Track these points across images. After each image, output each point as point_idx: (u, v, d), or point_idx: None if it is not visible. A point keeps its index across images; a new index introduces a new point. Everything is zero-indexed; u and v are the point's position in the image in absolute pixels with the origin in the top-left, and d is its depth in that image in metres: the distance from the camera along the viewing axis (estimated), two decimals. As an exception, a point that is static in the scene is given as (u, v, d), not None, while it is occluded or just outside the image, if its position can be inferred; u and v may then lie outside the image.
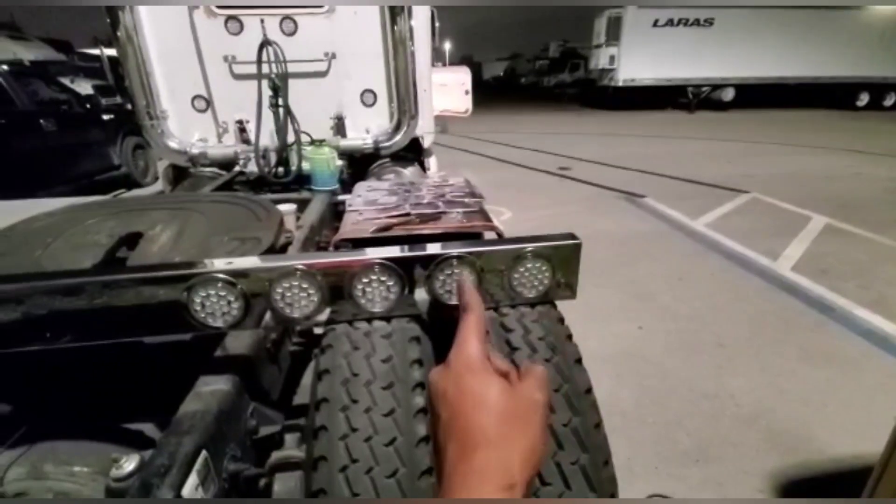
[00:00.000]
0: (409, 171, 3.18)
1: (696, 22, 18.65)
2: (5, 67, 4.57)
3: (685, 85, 19.24)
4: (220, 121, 2.76)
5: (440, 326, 1.01)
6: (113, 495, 0.82)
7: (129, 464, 0.81)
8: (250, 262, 0.83)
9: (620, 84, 19.14)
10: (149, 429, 1.11)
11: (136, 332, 0.91)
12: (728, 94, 19.57)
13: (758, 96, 19.42)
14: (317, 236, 1.82)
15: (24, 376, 1.03)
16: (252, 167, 2.67)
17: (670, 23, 18.60)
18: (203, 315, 0.84)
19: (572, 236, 0.95)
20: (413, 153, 3.33)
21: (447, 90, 3.74)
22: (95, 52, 9.74)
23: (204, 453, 0.77)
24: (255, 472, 0.92)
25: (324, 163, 2.36)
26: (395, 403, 0.79)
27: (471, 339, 0.45)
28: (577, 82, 27.70)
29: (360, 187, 1.96)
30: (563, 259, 0.94)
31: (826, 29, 18.57)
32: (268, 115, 2.59)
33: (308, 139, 2.69)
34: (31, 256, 1.11)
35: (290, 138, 2.62)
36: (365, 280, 0.86)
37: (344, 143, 2.93)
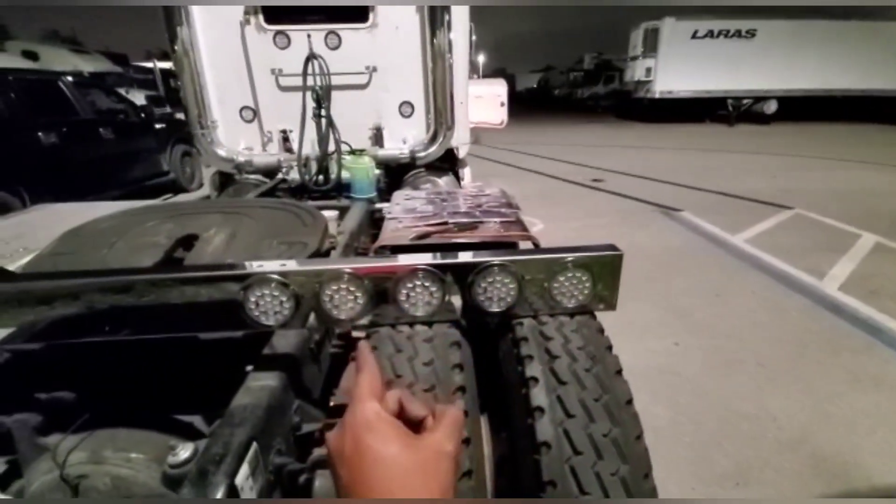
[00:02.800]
0: (444, 181, 3.23)
1: (738, 34, 18.16)
2: (69, 78, 4.94)
3: (725, 97, 18.72)
4: (266, 130, 2.89)
5: (478, 333, 1.02)
6: (169, 481, 0.87)
7: (185, 452, 0.86)
8: (302, 264, 0.87)
9: (657, 96, 18.79)
10: (197, 420, 1.17)
11: (193, 327, 0.96)
12: (771, 107, 18.91)
13: (803, 109, 18.69)
14: (355, 242, 1.88)
15: (87, 366, 1.10)
16: (294, 175, 2.77)
17: (710, 34, 18.18)
18: (257, 313, 0.88)
19: (613, 247, 0.95)
20: (448, 163, 3.39)
21: (483, 102, 3.78)
22: (149, 64, 10.35)
23: (255, 445, 0.81)
24: (299, 466, 0.96)
25: (363, 172, 2.43)
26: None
27: (365, 398, 0.44)
28: (612, 94, 27.40)
29: (399, 196, 2.01)
30: (604, 270, 0.94)
31: (875, 40, 17.77)
32: (310, 125, 2.69)
33: (347, 149, 2.78)
34: (98, 255, 1.19)
35: (331, 148, 2.71)
36: (409, 285, 0.89)
37: (381, 152, 3.00)
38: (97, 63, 11.85)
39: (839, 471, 2.18)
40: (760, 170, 9.35)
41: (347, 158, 2.66)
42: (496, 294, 0.93)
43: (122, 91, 7.15)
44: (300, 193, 2.75)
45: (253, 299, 0.86)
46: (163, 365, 1.12)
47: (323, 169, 2.78)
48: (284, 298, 0.87)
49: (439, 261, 0.88)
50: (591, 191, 7.83)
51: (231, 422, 0.83)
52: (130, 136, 5.57)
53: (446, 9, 2.63)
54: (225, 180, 3.05)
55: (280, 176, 2.84)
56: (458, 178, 3.47)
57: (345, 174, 2.70)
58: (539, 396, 0.85)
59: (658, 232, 5.68)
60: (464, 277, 0.91)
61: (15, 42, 12.46)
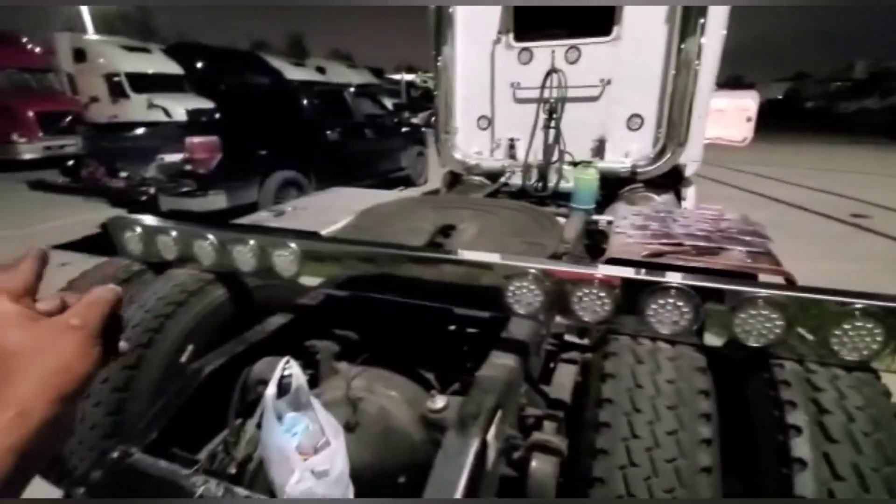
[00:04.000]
0: (663, 199, 3.03)
1: None
2: (351, 89, 6.37)
3: None
4: (496, 138, 3.16)
5: (730, 365, 0.97)
6: (428, 423, 1.07)
7: (441, 402, 1.05)
8: (562, 265, 0.97)
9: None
10: (434, 378, 1.39)
11: (456, 301, 1.16)
12: None
13: None
14: (575, 251, 1.94)
15: (368, 316, 1.42)
16: (515, 180, 2.98)
17: None
18: (512, 301, 1.02)
19: (924, 302, 0.79)
20: (670, 181, 3.16)
21: (724, 116, 3.39)
22: (397, 77, 12.38)
23: (500, 411, 0.94)
24: (520, 443, 1.07)
25: (588, 183, 2.47)
26: (679, 426, 0.81)
27: None
28: (889, 110, 21.31)
29: (624, 210, 1.99)
30: (905, 326, 0.80)
31: None
32: (538, 134, 2.85)
33: (569, 159, 2.85)
34: (383, 231, 1.52)
35: (555, 157, 2.82)
36: (661, 301, 0.90)
37: (601, 164, 2.98)
38: (363, 76, 14.83)
39: None
40: None
41: (569, 168, 2.73)
42: (757, 328, 0.87)
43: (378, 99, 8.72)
44: (518, 198, 2.94)
45: (512, 288, 1.00)
46: (420, 326, 1.36)
47: (543, 176, 2.92)
48: (539, 292, 0.98)
49: (700, 282, 0.87)
50: (848, 228, 6.23)
51: (481, 387, 0.98)
52: (384, 136, 6.87)
53: (703, 11, 2.46)
54: (454, 179, 3.44)
55: (502, 180, 3.08)
56: (679, 198, 3.20)
57: (564, 183, 2.77)
58: (801, 448, 0.77)
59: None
60: (721, 304, 0.88)
61: (311, 59, 16.38)
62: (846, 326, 0.83)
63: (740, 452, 0.91)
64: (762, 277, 1.28)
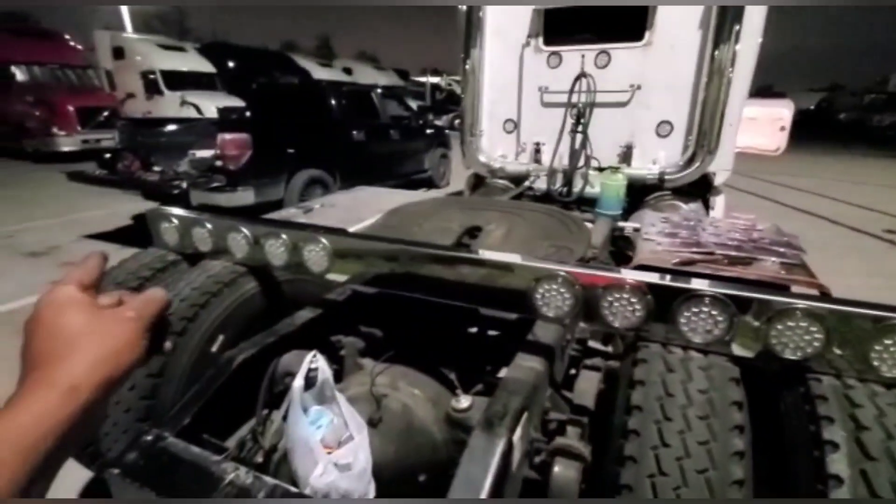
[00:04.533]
0: (690, 208, 2.97)
1: None
2: (378, 90, 6.44)
3: None
4: (521, 141, 3.15)
5: (764, 378, 0.95)
6: (453, 423, 1.08)
7: (465, 401, 1.06)
8: (593, 268, 0.97)
9: None
10: (456, 377, 1.39)
11: (481, 302, 1.16)
12: None
13: None
14: (600, 257, 1.92)
15: (393, 313, 1.44)
16: (540, 184, 2.96)
17: None
18: (540, 303, 1.01)
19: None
20: (698, 189, 3.10)
21: (756, 125, 3.32)
22: (422, 79, 12.46)
23: (526, 413, 0.94)
24: (544, 447, 1.06)
25: (615, 189, 2.45)
26: (711, 436, 0.79)
27: (63, 283, 0.47)
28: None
29: (651, 217, 1.96)
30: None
31: None
32: (564, 139, 2.83)
33: (595, 164, 2.82)
34: (410, 230, 1.53)
35: (581, 162, 2.80)
36: (695, 309, 0.89)
37: (628, 171, 2.94)
38: (389, 77, 15.01)
39: None
40: None
41: (595, 174, 2.71)
42: (794, 341, 0.85)
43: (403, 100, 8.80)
44: (543, 202, 2.93)
45: (542, 291, 1.00)
46: (443, 326, 1.37)
47: (568, 181, 2.90)
48: (568, 296, 0.98)
49: (736, 291, 0.85)
50: (882, 243, 6.01)
51: (507, 388, 0.98)
52: (409, 137, 6.94)
53: (738, 17, 2.41)
54: (477, 182, 3.44)
55: (527, 183, 3.07)
56: (706, 207, 3.14)
57: (590, 189, 2.75)
58: (838, 465, 0.75)
59: None
60: (758, 314, 0.86)
61: (338, 60, 16.63)
62: (887, 342, 0.81)
63: (772, 466, 0.89)
64: (795, 290, 1.25)
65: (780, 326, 0.85)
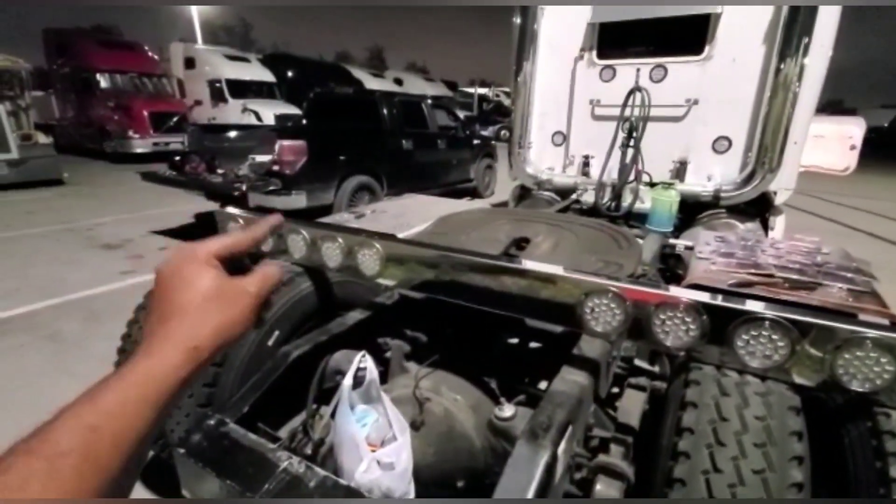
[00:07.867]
0: (747, 227, 2.84)
1: None
2: (429, 101, 6.60)
3: None
4: (570, 154, 3.13)
5: (827, 410, 0.91)
6: (495, 430, 1.09)
7: (509, 410, 1.06)
8: (645, 286, 0.95)
9: None
10: (498, 386, 1.40)
11: (527, 313, 1.16)
12: None
13: None
14: (649, 274, 1.87)
15: (439, 319, 1.47)
16: (587, 198, 2.93)
17: None
18: (589, 318, 1.01)
19: None
20: (755, 208, 2.97)
21: (823, 143, 3.14)
22: (470, 90, 12.61)
23: (570, 427, 0.94)
24: (586, 463, 1.06)
25: (667, 205, 2.38)
26: (767, 466, 0.77)
27: (205, 244, 0.48)
28: None
29: (705, 235, 1.89)
30: None
31: None
32: (614, 153, 2.79)
33: (646, 179, 2.76)
34: (458, 239, 1.56)
35: (631, 176, 2.75)
36: (754, 333, 0.86)
37: (681, 187, 2.86)
38: (438, 88, 15.35)
39: None
40: None
41: (645, 189, 2.65)
42: (862, 372, 0.81)
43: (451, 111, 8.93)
44: (590, 216, 2.89)
45: (591, 305, 0.99)
46: (488, 335, 1.39)
47: (617, 195, 2.85)
48: (618, 312, 0.97)
49: (800, 316, 0.82)
50: (975, 275, 5.47)
51: (552, 400, 0.98)
52: (456, 147, 7.03)
53: (807, 30, 2.30)
54: (523, 193, 3.45)
55: (574, 196, 3.04)
56: (765, 227, 2.99)
57: (639, 204, 2.69)
58: (908, 507, 0.71)
59: None
60: (823, 342, 0.82)
61: (390, 71, 17.16)
62: (969, 380, 0.75)
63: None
64: (863, 318, 1.17)
65: (847, 356, 0.81)
